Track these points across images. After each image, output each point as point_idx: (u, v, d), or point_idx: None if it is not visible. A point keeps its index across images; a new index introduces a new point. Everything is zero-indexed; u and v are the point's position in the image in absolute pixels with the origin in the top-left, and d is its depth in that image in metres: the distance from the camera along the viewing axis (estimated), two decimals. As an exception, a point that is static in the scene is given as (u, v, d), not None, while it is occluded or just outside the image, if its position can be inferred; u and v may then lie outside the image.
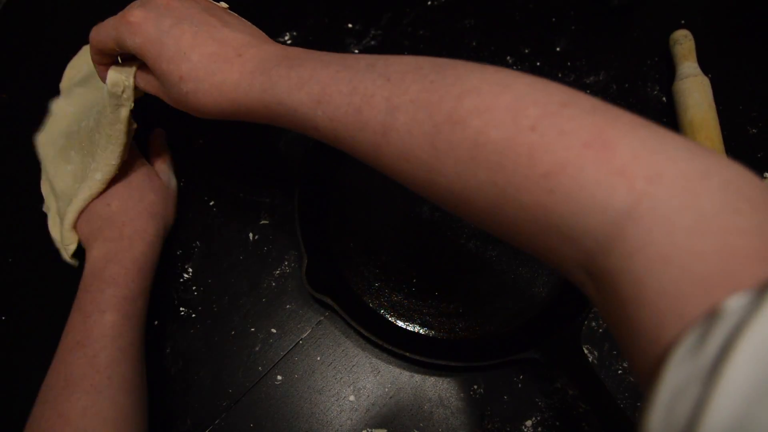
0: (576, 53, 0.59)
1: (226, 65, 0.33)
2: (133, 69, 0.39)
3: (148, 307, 0.44)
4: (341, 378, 0.47)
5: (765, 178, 0.55)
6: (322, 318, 0.49)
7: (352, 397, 0.46)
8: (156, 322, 0.48)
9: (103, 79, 0.40)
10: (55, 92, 0.51)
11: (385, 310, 0.49)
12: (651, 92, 0.57)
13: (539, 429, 0.45)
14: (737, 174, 0.21)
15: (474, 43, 0.60)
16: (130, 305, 0.41)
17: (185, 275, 0.50)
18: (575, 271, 0.24)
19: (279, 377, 0.47)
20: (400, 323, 0.49)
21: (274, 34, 0.37)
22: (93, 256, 0.43)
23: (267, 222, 0.52)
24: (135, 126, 0.43)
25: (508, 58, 0.59)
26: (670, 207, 0.20)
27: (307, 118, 0.31)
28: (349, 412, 0.46)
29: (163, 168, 0.51)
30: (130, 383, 0.39)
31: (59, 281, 0.47)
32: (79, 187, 0.45)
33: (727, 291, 0.18)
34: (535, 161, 0.23)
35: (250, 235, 0.52)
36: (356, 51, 0.59)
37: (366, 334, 0.45)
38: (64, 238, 0.46)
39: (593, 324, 0.48)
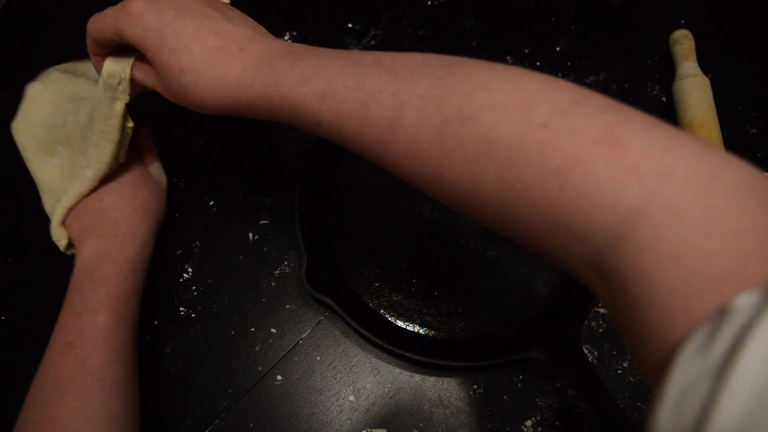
0: (576, 53, 0.59)
1: (228, 59, 0.33)
2: (131, 60, 0.38)
3: (141, 306, 0.43)
4: (341, 378, 0.47)
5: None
6: (321, 318, 0.49)
7: (351, 397, 0.46)
8: (156, 322, 0.48)
9: (99, 70, 0.39)
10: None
11: (384, 310, 0.49)
12: (651, 92, 0.57)
13: (539, 429, 0.45)
14: (748, 173, 0.21)
15: (474, 43, 0.60)
16: (122, 305, 0.40)
17: (185, 275, 0.50)
18: (583, 269, 0.24)
19: (279, 377, 0.47)
20: (399, 323, 0.49)
21: (274, 34, 0.37)
22: (85, 253, 0.42)
23: (267, 222, 0.52)
24: (131, 126, 0.42)
25: (508, 58, 0.59)
26: (681, 205, 0.20)
27: (311, 114, 0.30)
28: (348, 412, 0.46)
29: (153, 164, 0.50)
30: (122, 385, 0.38)
31: (59, 281, 0.47)
32: (67, 183, 0.44)
33: (736, 289, 0.18)
34: (547, 158, 0.23)
35: (250, 235, 0.52)
36: (356, 51, 0.59)
37: (366, 334, 0.45)
38: (53, 234, 0.45)
39: (593, 324, 0.48)
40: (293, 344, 0.48)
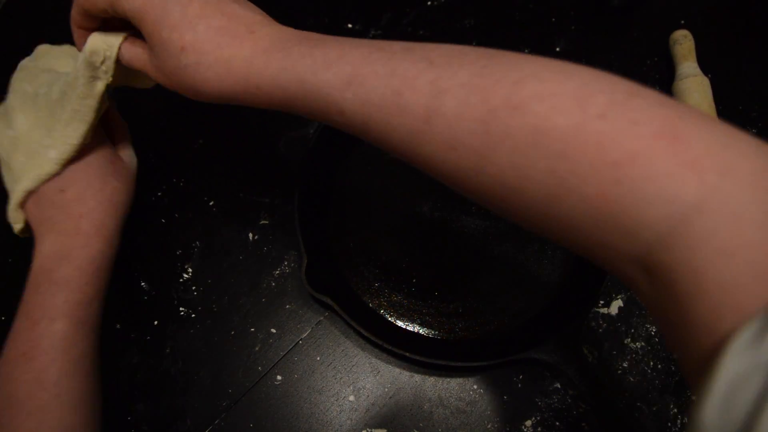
0: (576, 53, 0.59)
1: (236, 40, 0.30)
2: (120, 39, 0.35)
3: (104, 309, 0.40)
4: (341, 378, 0.47)
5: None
6: (321, 318, 0.49)
7: (351, 397, 0.46)
8: (156, 322, 0.48)
9: (80, 45, 0.35)
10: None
11: (384, 310, 0.49)
12: (651, 92, 0.57)
13: (539, 429, 0.45)
14: None
15: (474, 43, 0.60)
16: (83, 311, 0.37)
17: (185, 275, 0.50)
18: (626, 265, 0.24)
19: (279, 377, 0.47)
20: (399, 323, 0.49)
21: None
22: (44, 250, 0.38)
23: (267, 222, 0.52)
24: (107, 105, 0.39)
25: (508, 58, 0.59)
26: (740, 201, 0.20)
27: (333, 102, 0.28)
28: (348, 412, 0.46)
29: (123, 145, 0.44)
30: (81, 399, 0.36)
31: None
32: (24, 162, 0.39)
33: None
34: (604, 150, 0.22)
35: (250, 235, 0.52)
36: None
37: (366, 334, 0.45)
38: (9, 216, 0.41)
39: (593, 324, 0.48)
40: (293, 344, 0.48)
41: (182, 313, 0.49)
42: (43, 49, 0.46)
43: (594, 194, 0.22)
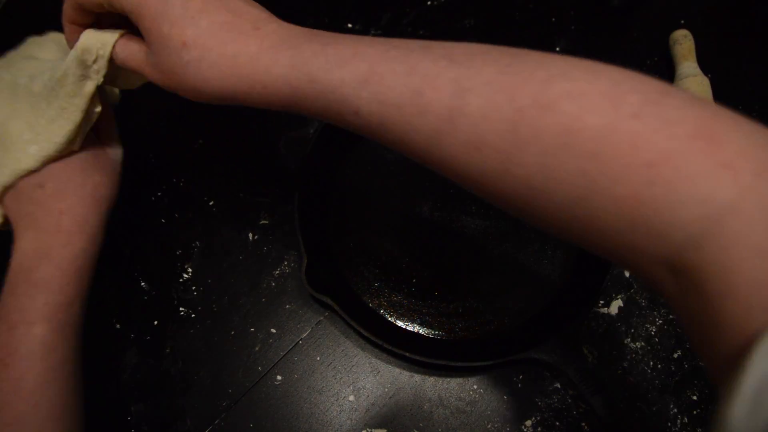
0: (576, 53, 0.58)
1: (242, 36, 0.29)
2: (115, 37, 0.33)
3: (86, 311, 0.38)
4: (341, 378, 0.47)
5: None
6: (321, 318, 0.49)
7: (351, 397, 0.46)
8: (156, 322, 0.48)
9: (72, 42, 0.34)
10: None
11: (384, 310, 0.49)
12: (651, 92, 0.57)
13: (539, 429, 0.45)
14: None
15: (474, 43, 0.60)
16: (64, 313, 0.35)
17: (185, 275, 0.50)
18: (654, 267, 0.23)
19: (279, 377, 0.47)
20: (399, 323, 0.49)
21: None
22: (22, 248, 0.36)
23: (267, 222, 0.52)
24: (99, 111, 0.36)
25: (508, 58, 0.59)
26: None
27: (347, 101, 0.27)
28: (348, 412, 0.46)
29: (107, 134, 0.41)
30: (60, 408, 0.34)
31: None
32: (1, 155, 0.37)
33: None
34: (638, 150, 0.21)
35: (250, 235, 0.52)
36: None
37: (366, 334, 0.45)
38: None
39: (593, 324, 0.48)
40: (293, 344, 0.48)
41: (182, 313, 0.49)
42: (30, 40, 0.43)
43: (625, 195, 0.22)
